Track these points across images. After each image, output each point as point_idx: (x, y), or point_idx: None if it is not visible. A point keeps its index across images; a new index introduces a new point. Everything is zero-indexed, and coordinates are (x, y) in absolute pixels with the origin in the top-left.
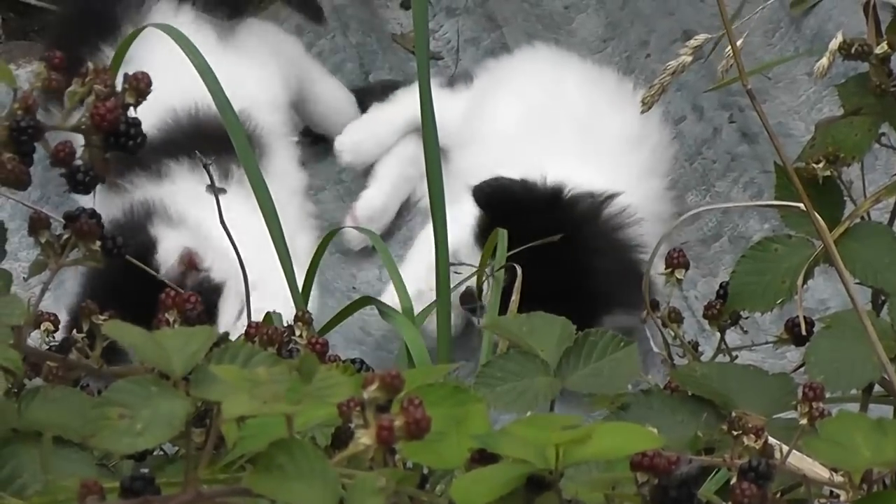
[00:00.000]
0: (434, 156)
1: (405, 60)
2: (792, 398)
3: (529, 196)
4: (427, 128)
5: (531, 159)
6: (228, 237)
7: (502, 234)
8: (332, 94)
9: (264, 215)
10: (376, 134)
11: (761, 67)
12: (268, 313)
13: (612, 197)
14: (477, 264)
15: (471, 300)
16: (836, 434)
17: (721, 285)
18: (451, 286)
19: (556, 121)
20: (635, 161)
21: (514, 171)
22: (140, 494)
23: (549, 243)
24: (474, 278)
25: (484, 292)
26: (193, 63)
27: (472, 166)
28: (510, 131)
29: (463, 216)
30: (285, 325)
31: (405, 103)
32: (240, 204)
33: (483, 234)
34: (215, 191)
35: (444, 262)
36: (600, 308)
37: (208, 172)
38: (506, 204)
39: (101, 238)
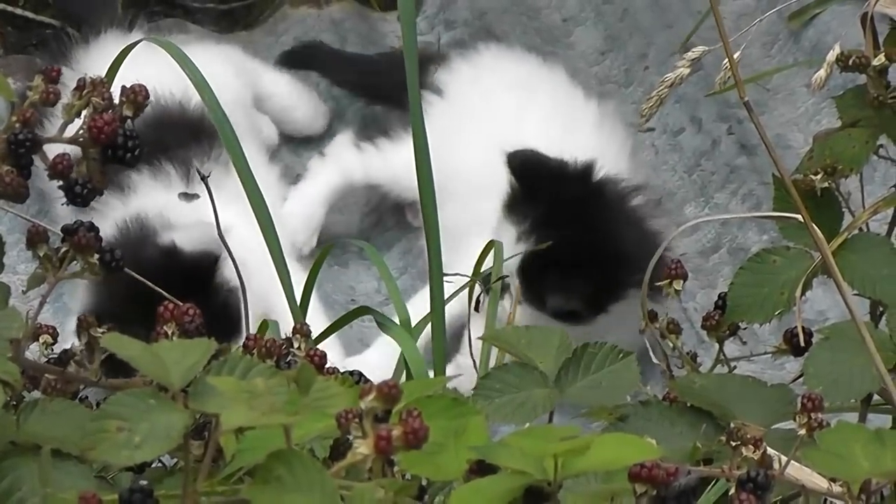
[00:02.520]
0: (425, 164)
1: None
2: (790, 409)
3: (562, 168)
4: (418, 136)
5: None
6: (227, 249)
7: (499, 246)
8: (281, 89)
9: (262, 228)
10: (307, 216)
11: (758, 76)
12: (263, 321)
13: (639, 188)
14: (504, 239)
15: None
16: (834, 445)
17: (720, 296)
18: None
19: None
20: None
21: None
22: None
23: (579, 217)
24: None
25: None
26: (190, 78)
27: (449, 217)
28: (478, 180)
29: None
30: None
31: (320, 179)
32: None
33: (512, 203)
34: (210, 196)
35: (437, 272)
36: (626, 276)
37: (206, 185)
38: (538, 172)
39: (100, 251)
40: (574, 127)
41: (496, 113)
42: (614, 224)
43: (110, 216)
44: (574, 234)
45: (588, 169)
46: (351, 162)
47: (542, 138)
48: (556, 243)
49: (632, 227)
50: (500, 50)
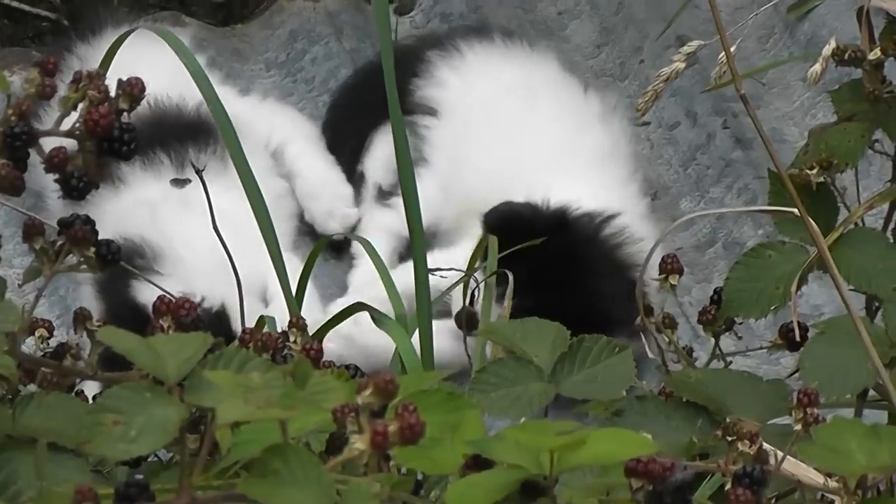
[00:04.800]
0: (405, 155)
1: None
2: (786, 404)
3: (535, 219)
4: (398, 133)
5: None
6: (222, 244)
7: (493, 241)
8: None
9: (258, 221)
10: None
11: (755, 71)
12: (261, 317)
13: (611, 217)
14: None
15: (472, 321)
16: (830, 440)
17: (715, 291)
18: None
19: (529, 149)
20: (610, 173)
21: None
22: (134, 501)
23: (553, 265)
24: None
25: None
26: (187, 67)
27: (460, 224)
28: (487, 185)
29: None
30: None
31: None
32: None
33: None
34: (208, 199)
35: (422, 270)
36: (601, 328)
37: (201, 179)
38: (514, 228)
39: (96, 244)
40: (583, 124)
41: (498, 121)
42: (588, 277)
43: (103, 207)
44: (552, 295)
45: (562, 220)
46: (392, 222)
47: (551, 141)
48: (535, 305)
49: (606, 276)
50: (485, 49)
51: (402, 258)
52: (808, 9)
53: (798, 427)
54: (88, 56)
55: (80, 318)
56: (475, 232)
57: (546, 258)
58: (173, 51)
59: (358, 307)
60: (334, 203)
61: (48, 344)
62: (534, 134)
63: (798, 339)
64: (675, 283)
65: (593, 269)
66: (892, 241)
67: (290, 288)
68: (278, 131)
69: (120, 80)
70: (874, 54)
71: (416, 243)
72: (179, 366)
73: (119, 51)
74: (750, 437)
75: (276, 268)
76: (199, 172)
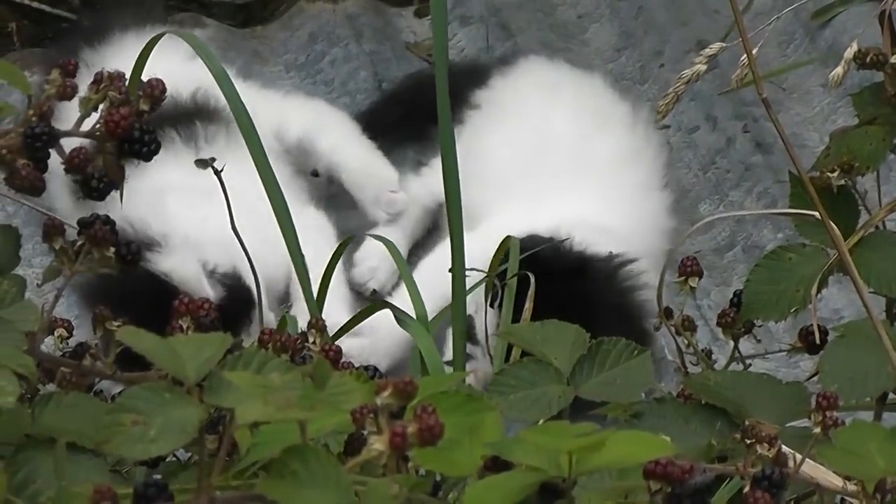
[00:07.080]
0: (451, 160)
1: (419, 68)
2: (805, 407)
3: (556, 259)
4: (445, 137)
5: (526, 198)
6: (241, 244)
7: (514, 243)
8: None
9: (279, 221)
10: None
11: (776, 72)
12: (283, 317)
13: (629, 261)
14: (494, 327)
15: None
16: (849, 443)
17: (735, 294)
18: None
19: (546, 154)
20: (629, 181)
21: (511, 210)
22: (153, 501)
23: (567, 305)
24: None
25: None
26: (210, 70)
27: (471, 205)
28: (503, 170)
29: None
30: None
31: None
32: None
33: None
34: (223, 189)
35: (460, 266)
36: None
37: (216, 171)
38: (533, 266)
39: (115, 244)
40: (604, 125)
41: (523, 111)
42: (597, 323)
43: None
44: None
45: (580, 258)
46: (423, 193)
47: (569, 135)
48: None
49: (615, 325)
50: (537, 60)
51: (429, 231)
52: (832, 15)
53: (817, 430)
54: (95, 61)
55: (100, 318)
56: (492, 215)
57: (561, 298)
58: (197, 53)
59: (380, 305)
60: (379, 189)
61: (67, 343)
62: (552, 123)
63: (818, 342)
64: (694, 285)
65: (599, 313)
66: None
67: (310, 287)
68: (304, 123)
69: (141, 82)
70: (895, 58)
71: (456, 245)
72: (199, 366)
73: (121, 54)
74: (769, 440)
75: (296, 269)
76: (218, 173)
